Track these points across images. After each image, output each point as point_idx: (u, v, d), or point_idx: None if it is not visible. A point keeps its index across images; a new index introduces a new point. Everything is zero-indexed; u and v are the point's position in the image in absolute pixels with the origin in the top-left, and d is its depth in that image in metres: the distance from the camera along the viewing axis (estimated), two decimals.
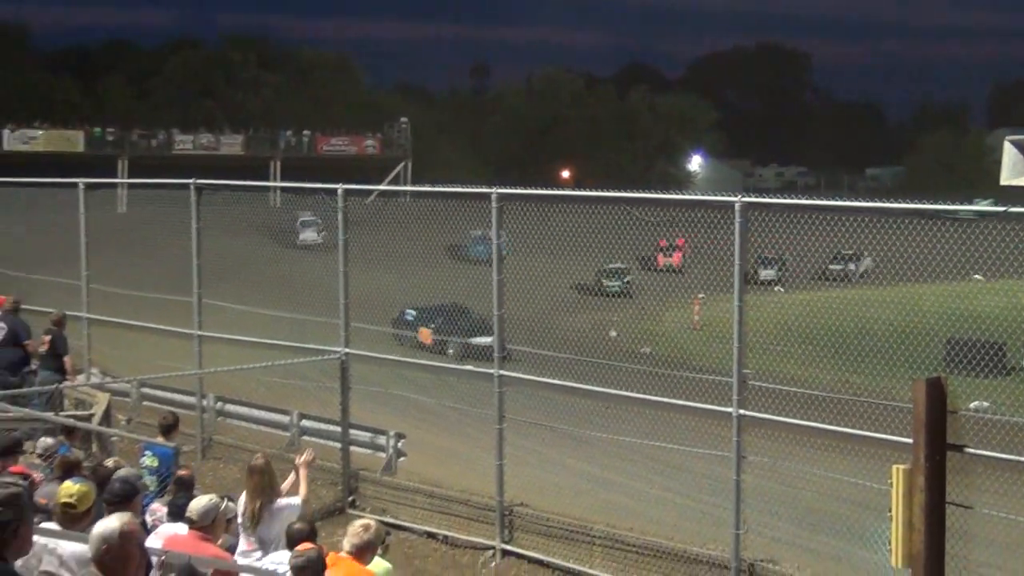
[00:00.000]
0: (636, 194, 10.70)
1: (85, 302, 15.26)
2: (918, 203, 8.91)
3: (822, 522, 10.44)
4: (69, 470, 7.36)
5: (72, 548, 5.33)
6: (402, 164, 64.18)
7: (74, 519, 5.53)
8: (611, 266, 17.85)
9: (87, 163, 45.59)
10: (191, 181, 13.64)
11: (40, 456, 8.71)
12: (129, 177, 43.68)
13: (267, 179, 49.16)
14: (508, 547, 10.74)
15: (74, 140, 58.13)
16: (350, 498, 12.19)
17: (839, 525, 9.95)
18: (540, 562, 10.47)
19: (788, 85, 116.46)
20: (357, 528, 6.39)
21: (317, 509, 11.48)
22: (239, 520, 7.33)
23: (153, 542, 5.99)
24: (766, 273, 15.08)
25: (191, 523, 6.38)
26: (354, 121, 66.99)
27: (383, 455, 12.95)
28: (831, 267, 16.74)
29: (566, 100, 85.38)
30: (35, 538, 4.86)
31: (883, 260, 12.30)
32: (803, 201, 10.17)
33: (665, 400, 10.04)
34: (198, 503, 6.45)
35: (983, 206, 9.33)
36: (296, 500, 7.80)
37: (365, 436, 13.02)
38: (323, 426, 13.15)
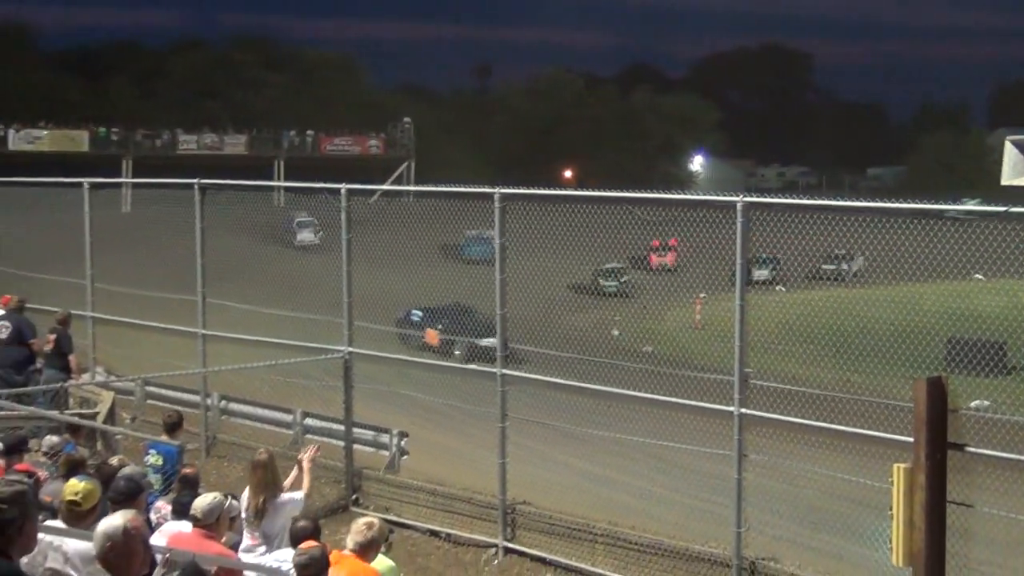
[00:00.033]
0: (638, 194, 10.73)
1: (90, 301, 15.32)
2: (915, 203, 8.93)
3: (823, 520, 10.46)
4: (74, 468, 7.40)
5: (77, 545, 5.35)
6: (405, 164, 64.24)
7: (79, 517, 5.55)
8: (608, 266, 17.83)
9: (92, 163, 45.67)
10: (195, 181, 13.69)
11: (46, 454, 8.76)
12: (133, 177, 43.75)
13: (271, 179, 49.20)
14: (510, 545, 10.77)
15: (79, 140, 58.25)
16: (353, 496, 12.23)
17: (840, 523, 9.97)
18: (542, 560, 10.49)
19: (790, 85, 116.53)
20: (360, 526, 6.41)
21: (321, 507, 11.53)
22: (243, 515, 7.38)
23: (157, 540, 6.03)
24: (759, 273, 15.09)
25: (195, 521, 6.41)
26: (358, 121, 67.03)
27: (386, 453, 12.99)
28: (824, 267, 16.74)
29: (569, 100, 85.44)
30: (40, 536, 4.92)
31: (877, 259, 12.34)
32: (804, 201, 10.17)
33: (667, 399, 10.05)
34: (202, 501, 6.48)
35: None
36: (299, 495, 7.84)
37: (368, 434, 13.06)
38: (327, 424, 13.18)
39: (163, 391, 15.76)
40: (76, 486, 5.69)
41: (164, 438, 9.69)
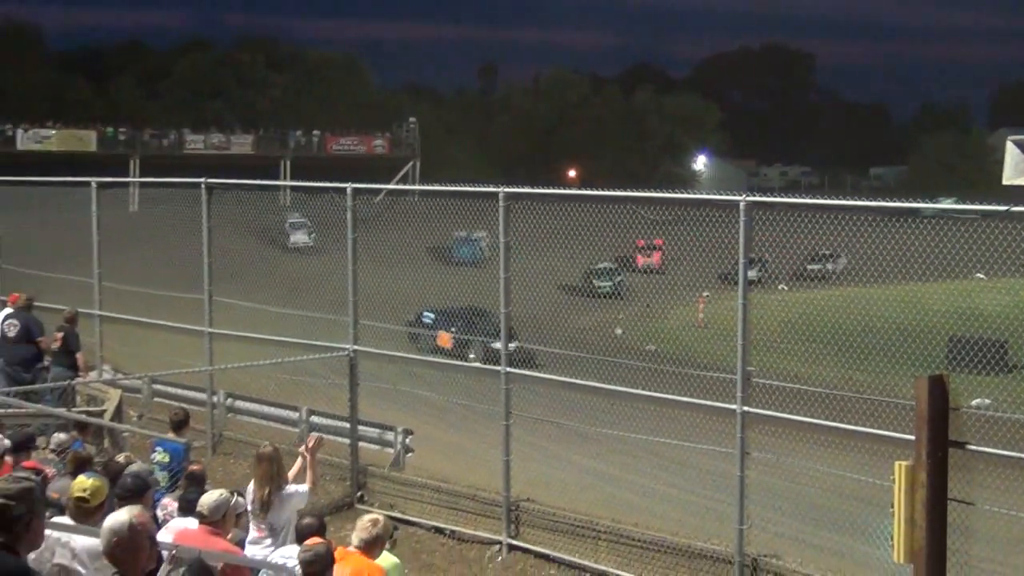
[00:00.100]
0: (642, 193, 10.76)
1: (97, 299, 15.39)
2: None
3: (825, 518, 10.49)
4: (81, 465, 7.46)
5: (84, 542, 5.37)
6: (411, 163, 64.37)
7: (87, 513, 5.56)
8: (600, 266, 17.76)
9: (99, 162, 45.94)
10: (202, 180, 13.77)
11: (54, 451, 8.81)
12: (141, 176, 43.88)
13: (277, 178, 49.31)
14: (514, 542, 10.81)
15: (87, 140, 58.50)
16: (358, 493, 12.28)
17: (842, 521, 10.00)
18: (546, 557, 10.53)
19: (792, 85, 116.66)
20: (365, 523, 6.45)
21: (326, 504, 11.60)
22: (249, 508, 7.44)
23: (164, 536, 6.05)
24: (749, 274, 15.10)
25: (201, 518, 6.43)
26: (363, 121, 67.19)
27: (391, 451, 13.05)
28: (809, 267, 16.73)
29: (573, 100, 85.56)
30: (48, 532, 4.97)
31: (876, 259, 12.35)
32: (806, 200, 10.21)
33: (670, 397, 10.07)
34: (208, 498, 6.50)
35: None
36: (304, 487, 7.89)
37: (373, 432, 13.12)
38: (332, 422, 13.23)
39: (170, 389, 15.84)
40: (84, 483, 5.70)
41: (171, 436, 9.74)
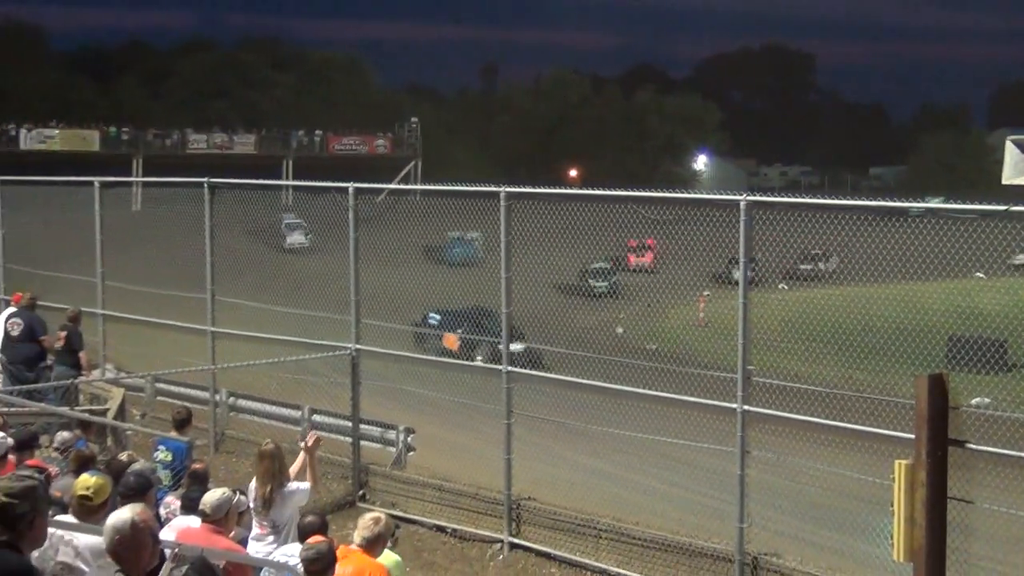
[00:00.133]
0: (641, 193, 10.79)
1: (100, 299, 15.44)
2: (908, 203, 8.97)
3: (825, 516, 10.51)
4: (84, 464, 7.48)
5: (87, 540, 5.40)
6: (412, 163, 64.46)
7: (90, 511, 5.58)
8: (596, 266, 17.70)
9: (103, 162, 46.06)
10: (204, 180, 13.81)
11: (57, 449, 8.86)
12: (144, 176, 43.96)
13: (280, 178, 49.42)
14: (516, 540, 10.84)
15: (90, 139, 58.65)
16: (360, 492, 12.32)
17: (842, 519, 10.01)
18: (547, 555, 10.56)
19: (792, 85, 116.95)
20: (367, 521, 6.48)
21: (328, 502, 11.64)
22: (251, 506, 7.47)
23: (166, 535, 6.08)
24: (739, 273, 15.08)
25: (204, 516, 6.46)
26: (365, 121, 67.30)
27: (393, 449, 13.10)
28: (801, 267, 16.72)
29: (574, 100, 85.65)
30: (51, 530, 5.01)
31: (859, 258, 12.36)
32: (806, 200, 10.23)
33: (671, 396, 10.10)
34: (211, 496, 6.53)
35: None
36: (305, 484, 7.92)
37: (375, 431, 13.16)
38: (334, 421, 13.28)
39: (172, 388, 15.90)
40: (88, 481, 5.73)
41: (173, 434, 9.77)
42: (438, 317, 15.56)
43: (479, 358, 14.29)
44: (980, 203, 8.28)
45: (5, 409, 9.75)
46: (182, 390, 15.56)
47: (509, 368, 10.84)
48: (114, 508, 5.01)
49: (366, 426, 12.83)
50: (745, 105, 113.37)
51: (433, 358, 13.60)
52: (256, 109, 70.35)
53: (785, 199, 10.98)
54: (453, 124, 78.07)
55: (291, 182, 36.35)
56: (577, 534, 10.42)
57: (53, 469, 7.89)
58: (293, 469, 8.06)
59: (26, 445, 8.30)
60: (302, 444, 8.30)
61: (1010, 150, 8.32)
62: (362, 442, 12.62)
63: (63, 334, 13.25)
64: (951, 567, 6.45)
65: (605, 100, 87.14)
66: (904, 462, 6.24)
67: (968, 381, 9.31)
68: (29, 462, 7.82)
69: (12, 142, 55.68)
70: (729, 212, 9.08)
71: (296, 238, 24.38)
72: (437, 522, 11.50)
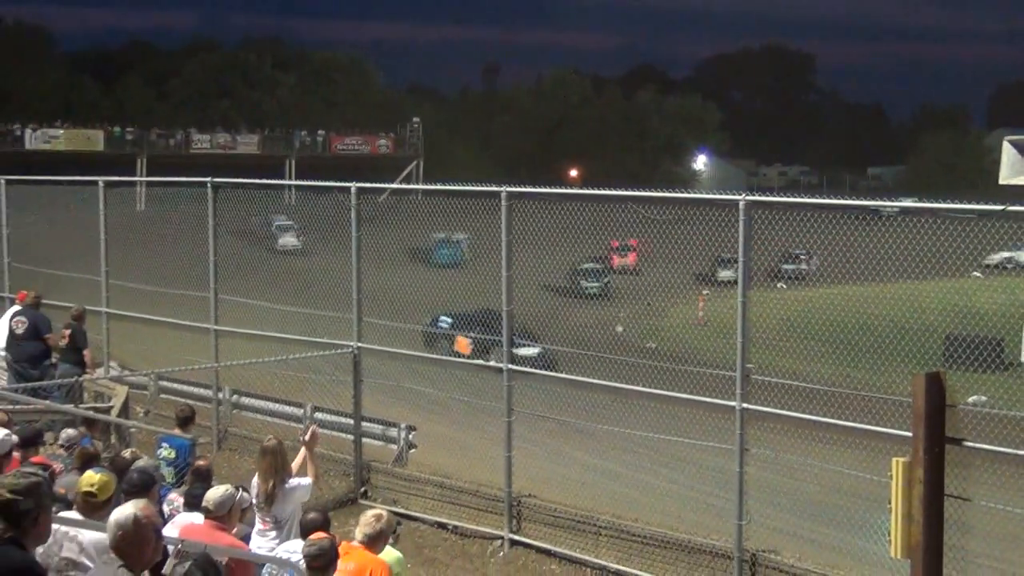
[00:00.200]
0: (641, 192, 10.83)
1: (104, 297, 15.50)
2: (906, 202, 9.01)
3: (823, 513, 10.57)
4: (88, 461, 7.55)
5: (92, 536, 5.42)
6: (414, 163, 64.53)
7: (95, 508, 5.61)
8: (586, 266, 17.62)
9: (107, 162, 46.17)
10: (208, 180, 13.88)
11: (62, 447, 8.93)
12: (148, 175, 44.06)
13: (283, 178, 49.50)
14: (516, 537, 10.90)
15: (94, 139, 58.77)
16: (362, 489, 12.38)
17: (840, 516, 10.06)
18: (547, 552, 10.62)
19: (792, 86, 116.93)
20: (369, 518, 6.52)
21: (330, 499, 11.71)
22: (253, 502, 7.54)
23: (170, 531, 6.12)
24: (725, 274, 15.05)
25: (207, 513, 6.49)
26: (367, 121, 67.40)
27: (394, 447, 13.16)
28: (785, 267, 16.70)
29: (574, 101, 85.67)
30: (56, 526, 5.07)
31: (829, 260, 12.41)
32: (806, 200, 10.27)
33: (670, 394, 10.14)
34: (214, 493, 6.56)
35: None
36: (307, 480, 7.98)
37: (377, 428, 13.22)
38: (336, 418, 13.35)
39: (176, 386, 15.96)
40: (92, 478, 5.75)
41: (177, 432, 9.82)
42: (449, 320, 15.46)
43: (492, 361, 14.22)
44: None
45: (10, 407, 9.79)
46: (185, 388, 15.63)
47: (509, 366, 10.90)
48: (118, 505, 5.06)
49: (368, 423, 12.89)
50: (745, 105, 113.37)
51: (433, 356, 13.65)
52: (259, 109, 70.52)
53: (784, 199, 11.02)
54: (454, 124, 78.14)
55: (294, 182, 36.41)
56: (577, 531, 10.48)
57: (57, 466, 7.94)
58: (294, 465, 8.12)
59: (31, 442, 8.36)
60: (303, 440, 8.37)
61: (1007, 150, 8.40)
62: (364, 439, 12.67)
63: (67, 332, 13.29)
64: (948, 564, 6.47)
65: (606, 100, 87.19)
66: (902, 459, 6.25)
67: (965, 379, 9.35)
68: (34, 459, 7.85)
69: (17, 142, 55.82)
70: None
71: (288, 240, 24.24)
72: (438, 519, 11.57)
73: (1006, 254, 13.86)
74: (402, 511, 11.37)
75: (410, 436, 13.16)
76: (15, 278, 16.70)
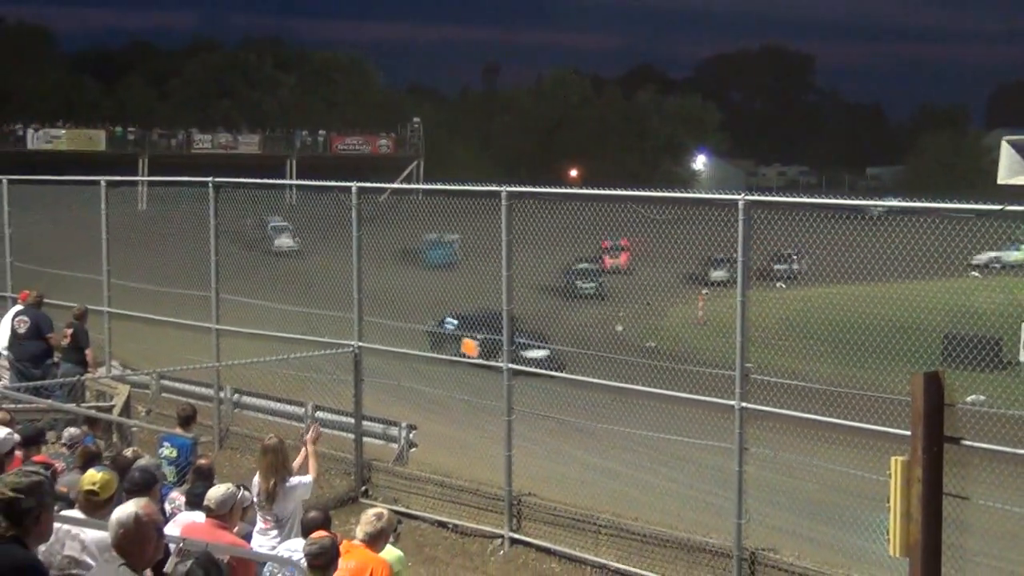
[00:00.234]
0: (641, 192, 10.86)
1: (106, 296, 15.54)
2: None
3: (822, 512, 10.59)
4: (90, 460, 7.58)
5: (94, 534, 5.46)
6: (415, 163, 64.59)
7: (97, 506, 5.62)
8: (581, 266, 17.58)
9: (109, 161, 46.24)
10: (209, 180, 13.92)
11: (65, 445, 8.96)
12: (149, 175, 44.11)
13: (284, 178, 49.53)
14: (516, 535, 10.93)
15: (96, 139, 58.86)
16: (363, 488, 12.42)
17: (839, 515, 10.09)
18: (547, 550, 10.65)
19: (791, 86, 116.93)
20: (370, 517, 6.55)
21: (331, 498, 11.74)
22: (255, 500, 7.57)
23: (171, 530, 6.15)
24: (717, 274, 14.98)
25: (208, 511, 6.52)
26: (368, 121, 67.45)
27: (395, 446, 13.19)
28: (776, 267, 16.71)
29: (574, 101, 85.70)
30: (58, 525, 5.10)
31: (818, 260, 12.42)
32: (805, 200, 10.29)
33: (670, 393, 10.17)
34: (215, 492, 6.59)
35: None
36: (308, 478, 8.01)
37: (378, 427, 13.25)
38: (337, 417, 13.38)
39: (177, 385, 15.99)
40: (94, 476, 5.77)
41: (178, 431, 9.85)
42: (455, 322, 15.42)
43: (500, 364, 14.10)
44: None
45: (12, 406, 9.84)
46: (187, 387, 15.66)
47: (509, 365, 10.93)
48: (120, 503, 5.08)
49: (369, 423, 12.92)
50: (744, 105, 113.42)
51: (434, 355, 13.68)
52: (260, 109, 70.53)
53: (783, 199, 11.04)
54: (455, 124, 78.16)
55: (295, 181, 36.45)
56: (577, 529, 10.51)
57: (59, 465, 7.97)
58: (295, 463, 8.16)
59: (33, 441, 8.39)
60: (305, 439, 8.41)
61: (1006, 150, 8.42)
62: (364, 438, 12.71)
63: (69, 331, 13.33)
64: (946, 562, 6.49)
65: (606, 100, 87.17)
66: (900, 458, 6.28)
67: (963, 378, 9.34)
68: (36, 458, 7.89)
69: (19, 142, 55.92)
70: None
71: (284, 241, 24.11)
72: (439, 518, 11.60)
73: (992, 254, 13.93)
74: (403, 510, 11.41)
75: (411, 435, 13.19)
76: (17, 278, 16.73)
